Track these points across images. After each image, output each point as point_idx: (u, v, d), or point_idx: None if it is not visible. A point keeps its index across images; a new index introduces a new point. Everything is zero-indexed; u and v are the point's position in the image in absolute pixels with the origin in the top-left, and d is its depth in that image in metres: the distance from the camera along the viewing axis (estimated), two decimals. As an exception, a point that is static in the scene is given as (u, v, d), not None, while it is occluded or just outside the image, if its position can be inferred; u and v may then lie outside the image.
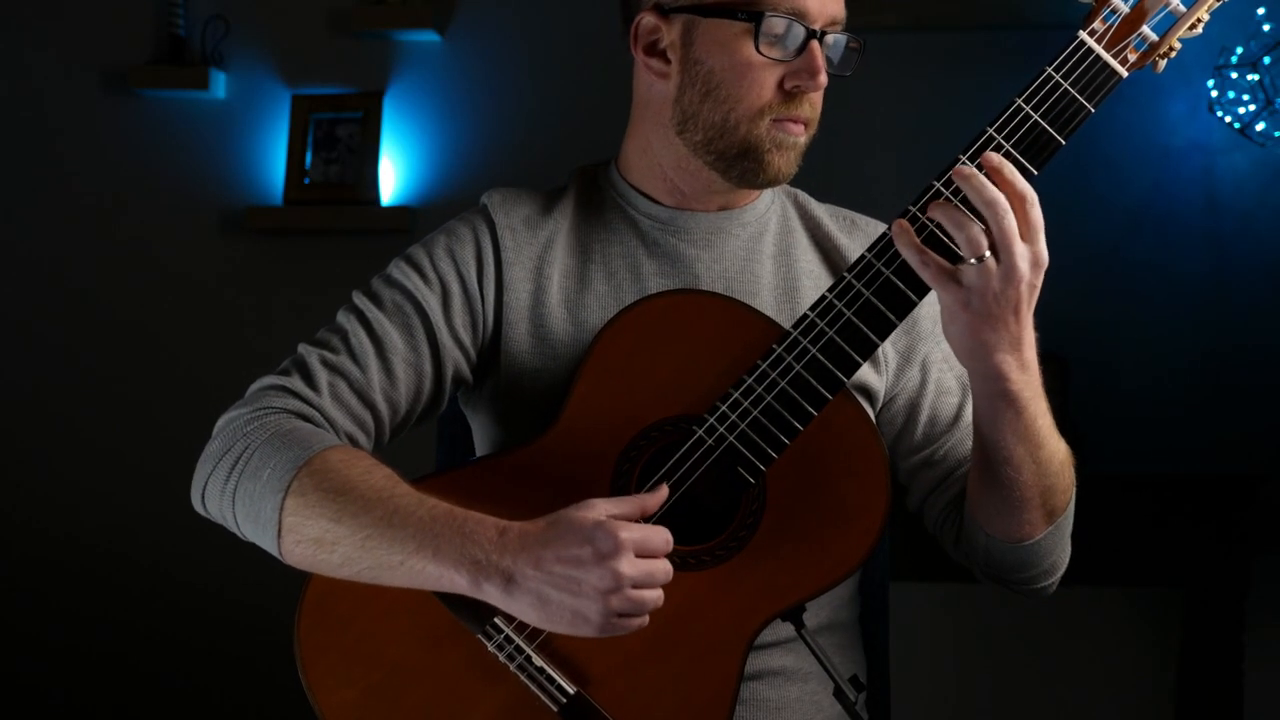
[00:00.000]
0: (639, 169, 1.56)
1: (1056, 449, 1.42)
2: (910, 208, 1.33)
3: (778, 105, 1.46)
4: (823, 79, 1.46)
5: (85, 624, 3.27)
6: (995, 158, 1.30)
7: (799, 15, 1.44)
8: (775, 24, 1.44)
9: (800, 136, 1.49)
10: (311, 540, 1.34)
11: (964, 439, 1.55)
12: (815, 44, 1.45)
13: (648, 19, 1.50)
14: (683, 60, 1.49)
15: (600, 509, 1.30)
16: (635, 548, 1.28)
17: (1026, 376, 1.36)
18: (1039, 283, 1.31)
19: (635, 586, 1.28)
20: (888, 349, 1.55)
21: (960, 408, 1.57)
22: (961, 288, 1.29)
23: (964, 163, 1.31)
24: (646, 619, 1.30)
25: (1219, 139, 2.92)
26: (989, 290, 1.28)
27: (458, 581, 1.30)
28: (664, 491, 1.36)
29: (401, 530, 1.31)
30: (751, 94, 1.46)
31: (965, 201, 1.29)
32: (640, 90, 1.55)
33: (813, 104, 1.49)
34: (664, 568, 1.30)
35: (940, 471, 1.56)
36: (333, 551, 1.33)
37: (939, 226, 1.31)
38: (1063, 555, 1.51)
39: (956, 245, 1.29)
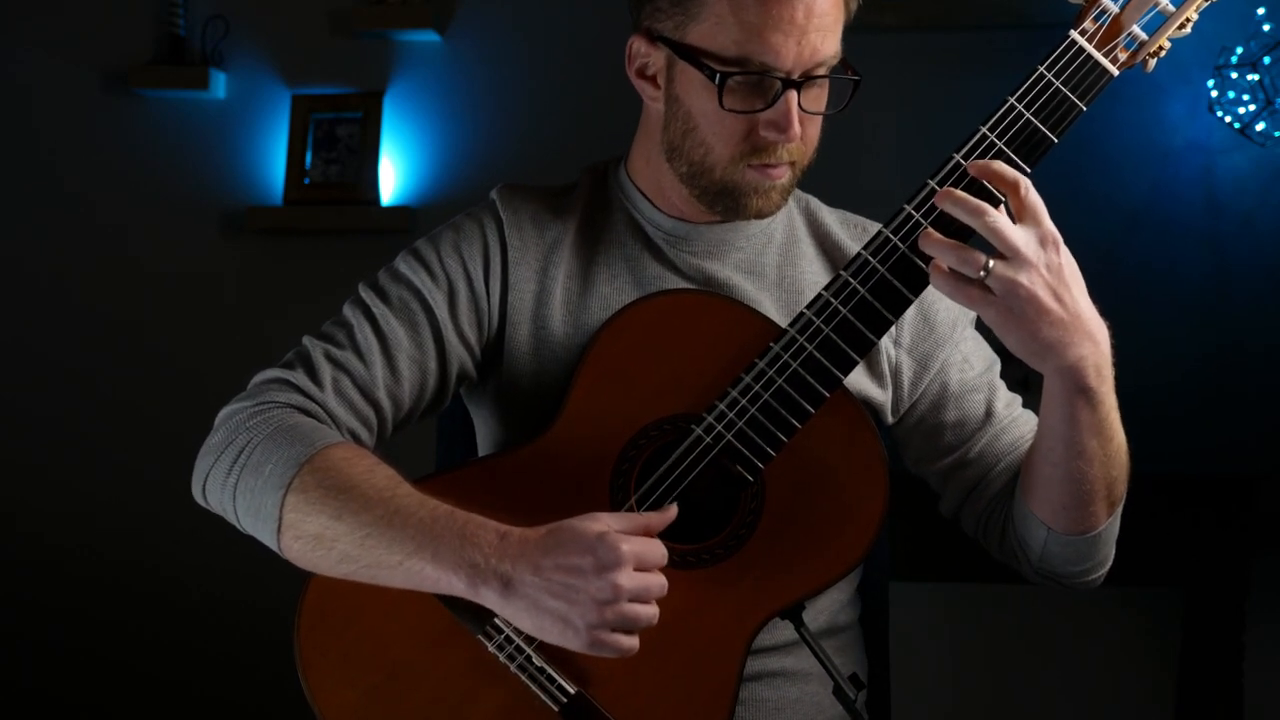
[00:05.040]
0: (645, 176, 1.55)
1: (1122, 439, 1.41)
2: (905, 206, 1.33)
3: (752, 153, 1.43)
4: (795, 133, 1.40)
5: (86, 626, 3.27)
6: (980, 162, 1.30)
7: (768, 69, 1.38)
8: (739, 80, 1.39)
9: (780, 179, 1.45)
10: (311, 537, 1.34)
11: (998, 436, 1.54)
12: (790, 95, 1.39)
13: (638, 43, 1.47)
14: (667, 93, 1.46)
15: (604, 522, 1.29)
16: (635, 561, 1.28)
17: (1104, 371, 1.34)
18: (1064, 260, 1.28)
19: (631, 600, 1.27)
20: (903, 357, 1.54)
21: (989, 405, 1.55)
22: (996, 299, 1.28)
23: (960, 161, 1.31)
24: (637, 641, 1.29)
25: (1219, 139, 2.92)
26: (1017, 289, 1.26)
27: (455, 584, 1.30)
28: (673, 511, 1.35)
29: (401, 530, 1.31)
30: (721, 142, 1.43)
31: (944, 219, 1.29)
32: (645, 103, 1.53)
33: (802, 143, 1.43)
34: (659, 581, 1.29)
35: (976, 471, 1.54)
36: (331, 549, 1.33)
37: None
38: (1113, 545, 1.51)
39: (961, 269, 1.28)
